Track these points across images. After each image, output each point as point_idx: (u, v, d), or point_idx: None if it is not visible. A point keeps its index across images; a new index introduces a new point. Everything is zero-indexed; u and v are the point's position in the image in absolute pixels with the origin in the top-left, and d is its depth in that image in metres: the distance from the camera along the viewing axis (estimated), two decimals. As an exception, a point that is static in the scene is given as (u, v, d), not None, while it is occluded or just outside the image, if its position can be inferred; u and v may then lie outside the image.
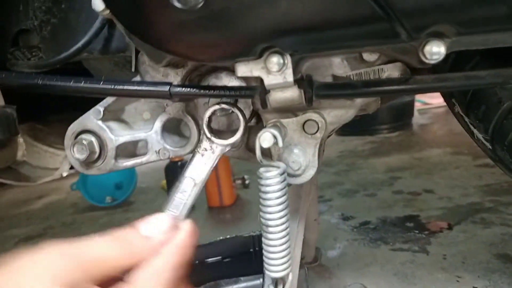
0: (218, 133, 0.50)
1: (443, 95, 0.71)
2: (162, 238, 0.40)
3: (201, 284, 0.79)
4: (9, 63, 0.64)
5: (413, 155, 2.10)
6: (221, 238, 0.93)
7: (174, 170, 1.72)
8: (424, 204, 1.42)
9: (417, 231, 1.21)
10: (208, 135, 0.49)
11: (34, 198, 2.40)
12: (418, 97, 3.13)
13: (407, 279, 0.96)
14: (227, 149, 0.50)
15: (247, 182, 1.88)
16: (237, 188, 1.83)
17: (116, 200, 1.97)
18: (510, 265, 0.95)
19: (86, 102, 0.62)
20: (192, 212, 1.69)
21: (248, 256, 0.91)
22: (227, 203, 1.68)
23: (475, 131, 0.66)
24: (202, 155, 0.50)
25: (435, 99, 3.37)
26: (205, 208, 1.70)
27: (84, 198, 2.04)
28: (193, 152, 0.54)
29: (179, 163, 1.74)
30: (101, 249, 0.38)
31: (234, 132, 0.50)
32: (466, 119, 0.66)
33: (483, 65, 0.56)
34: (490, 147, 0.66)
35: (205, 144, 0.50)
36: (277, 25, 0.37)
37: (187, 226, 0.42)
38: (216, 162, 0.49)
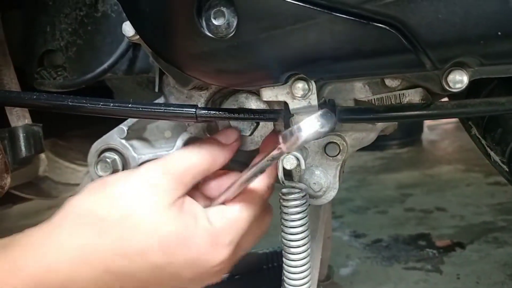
0: None
1: (461, 118, 0.71)
2: (236, 145, 0.50)
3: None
4: (36, 83, 0.66)
5: (424, 172, 2.10)
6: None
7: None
8: (436, 222, 1.42)
9: (430, 250, 1.21)
10: None
11: (45, 209, 2.42)
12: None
13: (421, 299, 0.96)
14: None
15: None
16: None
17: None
18: (525, 287, 0.95)
19: (106, 119, 0.63)
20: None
21: (262, 273, 0.91)
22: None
23: (491, 153, 0.67)
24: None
25: (445, 115, 3.36)
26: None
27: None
28: None
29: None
30: (190, 159, 0.45)
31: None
32: (483, 142, 0.67)
33: (500, 89, 0.57)
34: (507, 170, 0.67)
35: None
36: (304, 55, 0.38)
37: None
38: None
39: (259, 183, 0.47)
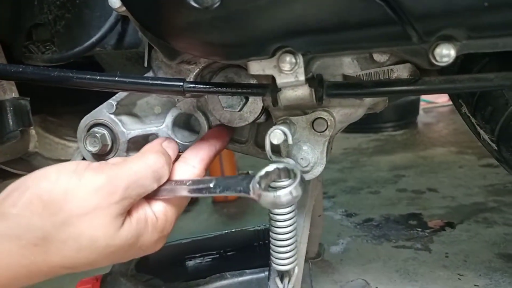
0: None
1: (450, 96, 0.71)
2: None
3: (206, 276, 0.81)
4: (24, 57, 0.65)
5: (418, 154, 2.10)
6: (226, 231, 0.94)
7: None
8: (427, 202, 1.43)
9: (420, 229, 1.22)
10: None
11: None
12: (424, 96, 3.13)
13: (409, 276, 0.97)
14: None
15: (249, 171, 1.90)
16: (242, 183, 1.84)
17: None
18: (511, 265, 0.96)
19: (96, 95, 0.63)
20: (197, 206, 1.70)
21: (253, 249, 0.92)
22: (232, 198, 1.69)
23: (481, 132, 0.67)
24: None
25: (440, 98, 3.37)
26: (210, 202, 1.72)
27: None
28: None
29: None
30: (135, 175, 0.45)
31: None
32: (473, 120, 0.67)
33: (491, 67, 0.57)
34: (496, 148, 0.67)
35: None
36: (291, 26, 0.38)
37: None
38: None
39: None
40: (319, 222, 1.02)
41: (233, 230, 0.94)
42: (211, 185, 0.46)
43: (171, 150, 0.52)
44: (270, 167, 0.44)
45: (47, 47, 0.68)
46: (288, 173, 0.44)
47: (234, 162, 1.74)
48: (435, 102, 3.42)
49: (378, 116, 2.90)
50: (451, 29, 0.36)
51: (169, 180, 0.48)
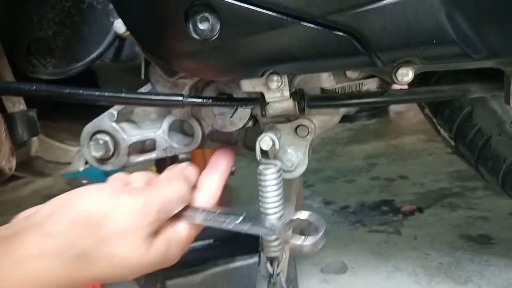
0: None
1: (414, 99, 0.80)
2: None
3: (199, 264, 0.88)
4: (28, 71, 0.70)
5: (389, 142, 2.22)
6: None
7: (163, 159, 1.80)
8: (398, 189, 1.54)
9: (392, 214, 1.33)
10: None
11: (21, 185, 2.43)
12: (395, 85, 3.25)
13: (382, 257, 1.07)
14: None
15: (232, 169, 1.97)
16: (224, 175, 1.91)
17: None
18: (472, 244, 1.08)
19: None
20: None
21: (240, 238, 1.01)
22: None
23: (441, 130, 0.77)
24: None
25: (411, 87, 3.50)
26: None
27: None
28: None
29: (168, 151, 1.82)
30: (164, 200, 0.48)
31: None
32: (434, 120, 0.77)
33: (446, 77, 0.66)
34: (454, 144, 0.77)
35: None
36: (277, 56, 0.45)
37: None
38: None
39: None
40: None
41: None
42: (237, 221, 0.50)
43: (193, 177, 0.55)
44: (303, 215, 0.51)
45: (48, 61, 0.73)
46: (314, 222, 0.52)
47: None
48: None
49: (352, 106, 3.01)
50: (409, 57, 0.44)
51: (191, 207, 0.52)
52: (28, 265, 0.40)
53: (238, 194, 1.73)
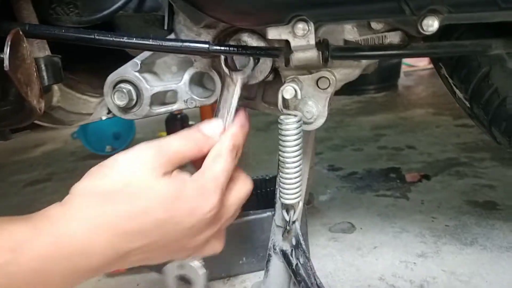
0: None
1: (432, 60, 0.81)
2: (218, 135, 0.54)
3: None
4: (51, 18, 0.71)
5: (398, 115, 2.23)
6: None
7: (174, 123, 1.82)
8: (406, 158, 1.56)
9: (399, 181, 1.35)
10: (227, 71, 0.60)
11: (32, 147, 2.47)
12: (405, 59, 3.23)
13: (389, 219, 1.10)
14: (246, 79, 0.61)
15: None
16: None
17: (116, 149, 2.06)
18: (478, 209, 1.10)
19: (110, 54, 0.70)
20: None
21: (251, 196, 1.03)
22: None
23: (457, 91, 0.77)
24: (228, 89, 0.61)
25: (421, 62, 3.48)
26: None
27: (82, 147, 2.13)
28: (221, 89, 0.64)
29: (179, 116, 1.84)
30: (178, 145, 0.51)
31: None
32: (450, 81, 0.77)
33: (467, 35, 0.66)
34: (469, 106, 0.78)
35: (228, 79, 0.61)
36: (308, 0, 0.46)
37: (237, 120, 0.58)
38: (239, 91, 0.60)
39: (229, 141, 0.54)
40: (311, 174, 1.13)
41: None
42: None
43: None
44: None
45: (71, 9, 0.74)
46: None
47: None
48: (416, 66, 3.53)
49: (361, 79, 3.00)
50: (436, 5, 0.45)
51: None
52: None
53: (247, 160, 1.76)
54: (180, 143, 0.52)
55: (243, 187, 0.55)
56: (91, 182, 0.47)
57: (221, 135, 0.55)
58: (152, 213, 0.46)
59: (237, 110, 0.59)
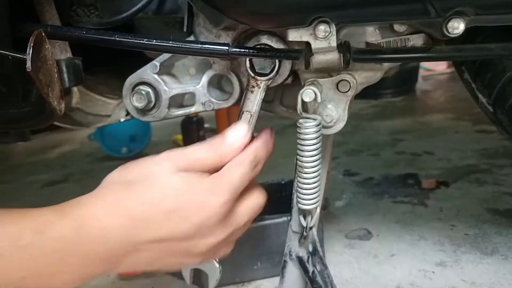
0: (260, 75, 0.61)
1: (454, 63, 0.79)
2: (242, 146, 0.55)
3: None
4: (72, 20, 0.71)
5: (416, 119, 2.20)
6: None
7: (189, 126, 1.82)
8: (424, 164, 1.53)
9: (417, 187, 1.33)
10: (252, 74, 0.60)
11: (49, 148, 2.50)
12: (423, 63, 3.19)
13: (407, 226, 1.08)
14: (269, 82, 0.61)
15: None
16: (248, 144, 1.93)
17: (132, 151, 2.08)
18: (498, 217, 1.08)
19: (129, 56, 0.70)
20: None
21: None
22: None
23: (480, 96, 0.76)
24: (252, 92, 0.61)
25: (439, 66, 3.43)
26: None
27: (99, 148, 2.15)
28: (244, 93, 0.63)
29: (195, 118, 1.84)
30: (201, 153, 0.54)
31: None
32: (473, 85, 0.76)
33: (491, 38, 0.65)
34: (492, 111, 0.76)
35: (252, 81, 0.61)
36: (330, 2, 0.45)
37: (262, 136, 0.59)
38: (263, 94, 0.61)
39: (251, 153, 0.56)
40: (328, 178, 1.12)
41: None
42: None
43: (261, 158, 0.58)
44: None
45: (91, 11, 0.74)
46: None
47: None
48: (434, 70, 3.48)
49: (378, 83, 2.96)
50: (463, 7, 0.43)
51: None
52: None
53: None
54: (202, 152, 0.54)
55: (256, 199, 0.57)
56: (118, 173, 0.52)
57: (245, 145, 0.56)
58: (163, 202, 0.49)
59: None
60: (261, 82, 0.60)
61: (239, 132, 0.56)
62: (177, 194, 0.50)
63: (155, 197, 0.49)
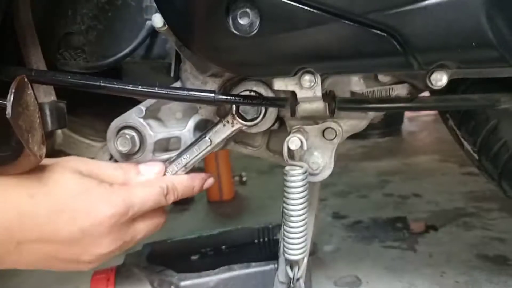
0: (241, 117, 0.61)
1: (439, 111, 0.80)
2: (150, 179, 0.59)
3: (215, 268, 0.88)
4: (59, 63, 0.71)
5: (403, 161, 2.21)
6: (229, 228, 1.02)
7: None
8: (412, 207, 1.52)
9: (406, 231, 1.31)
10: (234, 111, 0.60)
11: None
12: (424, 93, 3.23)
13: (396, 273, 1.06)
14: (243, 128, 0.62)
15: (244, 179, 1.98)
16: (235, 185, 1.91)
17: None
18: (488, 264, 1.06)
19: (112, 99, 0.70)
20: (193, 205, 1.76)
21: (253, 245, 1.00)
22: (227, 198, 1.76)
23: (464, 143, 0.76)
24: (224, 125, 0.62)
25: (425, 108, 3.49)
26: (205, 202, 1.78)
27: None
28: (218, 121, 0.64)
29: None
30: (107, 168, 0.60)
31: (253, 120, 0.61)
32: (458, 132, 0.76)
33: (473, 87, 0.66)
34: (477, 158, 0.76)
35: (230, 117, 0.61)
36: (315, 53, 0.46)
37: (193, 175, 0.63)
38: (231, 134, 0.62)
39: (167, 182, 0.59)
40: (315, 223, 1.10)
41: (236, 227, 1.02)
42: None
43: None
44: None
45: (78, 55, 0.74)
46: None
47: (229, 164, 1.81)
48: (419, 112, 3.54)
49: (365, 124, 3.01)
50: (446, 61, 0.44)
51: None
52: None
53: (249, 205, 1.73)
54: (109, 167, 0.58)
55: (156, 219, 0.59)
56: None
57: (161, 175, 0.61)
58: (53, 199, 0.48)
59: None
60: (236, 123, 0.61)
61: (153, 168, 0.60)
62: (70, 194, 0.49)
63: (46, 193, 0.48)
